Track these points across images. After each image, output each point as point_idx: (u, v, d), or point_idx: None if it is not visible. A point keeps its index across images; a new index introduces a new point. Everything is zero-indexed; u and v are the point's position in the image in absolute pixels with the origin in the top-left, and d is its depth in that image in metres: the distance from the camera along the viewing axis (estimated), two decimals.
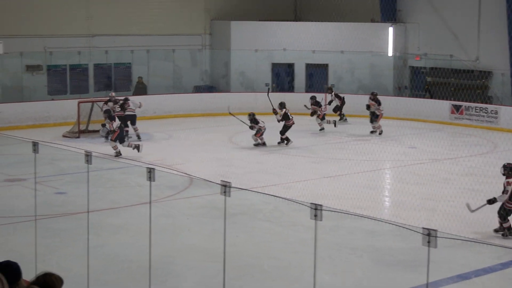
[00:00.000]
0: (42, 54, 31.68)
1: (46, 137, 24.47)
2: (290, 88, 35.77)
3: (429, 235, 7.77)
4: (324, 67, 35.80)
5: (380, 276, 13.52)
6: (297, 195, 16.49)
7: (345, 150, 25.02)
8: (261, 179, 20.42)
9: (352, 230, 15.80)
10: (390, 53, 35.40)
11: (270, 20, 36.73)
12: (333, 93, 31.67)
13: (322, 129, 29.62)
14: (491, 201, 15.33)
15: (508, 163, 15.52)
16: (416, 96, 34.36)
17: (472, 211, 15.59)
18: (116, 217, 16.74)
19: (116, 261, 13.60)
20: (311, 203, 8.54)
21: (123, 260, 13.73)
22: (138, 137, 26.42)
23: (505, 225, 15.35)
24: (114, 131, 22.74)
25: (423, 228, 7.78)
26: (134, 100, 27.61)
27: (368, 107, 29.24)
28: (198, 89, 35.79)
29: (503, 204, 15.26)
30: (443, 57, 34.24)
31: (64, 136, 27.09)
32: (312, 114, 30.05)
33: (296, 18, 38.78)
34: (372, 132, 29.03)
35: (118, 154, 22.67)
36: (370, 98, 29.32)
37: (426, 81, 34.64)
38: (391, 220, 16.09)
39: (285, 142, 26.25)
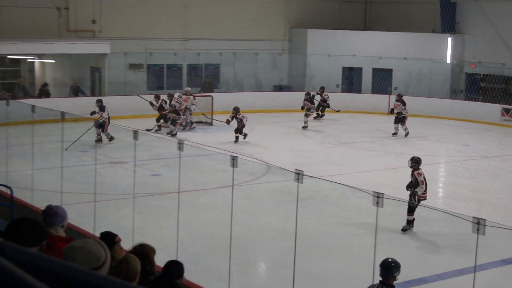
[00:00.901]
0: (143, 54, 32.04)
1: (145, 126, 24.80)
2: (358, 90, 35.51)
3: (478, 224, 7.68)
4: (388, 72, 35.47)
5: (432, 258, 13.38)
6: (360, 184, 16.38)
7: (404, 145, 24.80)
8: (329, 168, 20.36)
9: None
10: (448, 61, 34.87)
11: (342, 29, 36.57)
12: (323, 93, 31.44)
13: (305, 126, 28.03)
14: (414, 197, 14.44)
15: (415, 156, 14.85)
16: (470, 99, 33.81)
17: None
18: (203, 198, 16.88)
19: (202, 235, 13.73)
20: (374, 191, 8.50)
21: (207, 235, 13.85)
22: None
23: (409, 218, 14.49)
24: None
25: (473, 217, 7.67)
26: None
27: (392, 110, 27.54)
28: (277, 88, 35.80)
29: (415, 195, 14.47)
30: (495, 65, 33.56)
31: (159, 126, 27.39)
32: (302, 108, 28.84)
33: (365, 28, 38.47)
34: (394, 134, 26.91)
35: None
36: (396, 99, 27.49)
37: (480, 86, 34.05)
38: (444, 209, 15.89)
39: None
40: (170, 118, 24.73)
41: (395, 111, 26.99)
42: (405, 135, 26.66)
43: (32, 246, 3.81)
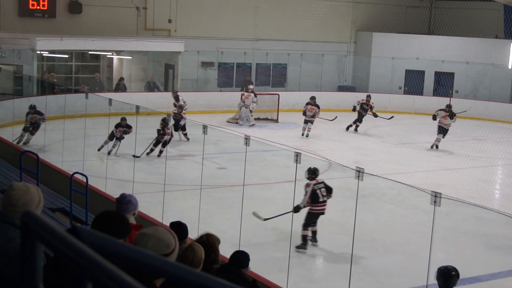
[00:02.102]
0: (215, 53, 32.31)
1: (214, 121, 25.01)
2: (420, 92, 35.15)
3: None
4: (451, 75, 35.03)
5: (486, 257, 13.23)
6: (419, 183, 16.24)
7: (464, 147, 24.48)
8: (389, 167, 20.23)
9: (465, 216, 15.48)
10: (510, 66, 34.25)
11: (407, 33, 36.26)
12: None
13: (306, 134, 25.13)
14: (296, 209, 12.43)
15: (312, 167, 13.23)
16: None
17: (265, 219, 13.11)
18: (266, 191, 16.96)
19: (264, 227, 13.79)
20: (432, 191, 8.46)
21: (269, 227, 13.93)
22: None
23: (304, 233, 12.65)
24: None
25: None
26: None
27: (434, 117, 24.61)
28: (341, 89, 35.69)
29: (308, 210, 12.78)
30: None
31: (228, 121, 27.62)
32: (304, 113, 25.20)
33: (429, 32, 38.04)
34: (436, 146, 24.13)
35: None
36: (445, 110, 24.40)
37: None
38: (500, 210, 15.66)
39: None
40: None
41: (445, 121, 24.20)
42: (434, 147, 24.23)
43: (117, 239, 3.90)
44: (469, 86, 34.43)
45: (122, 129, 20.00)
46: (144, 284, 3.06)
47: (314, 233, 12.90)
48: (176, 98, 24.63)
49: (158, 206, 12.97)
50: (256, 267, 10.67)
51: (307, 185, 12.75)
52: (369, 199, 15.93)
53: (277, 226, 13.66)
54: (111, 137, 20.17)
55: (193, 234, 7.64)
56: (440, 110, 24.56)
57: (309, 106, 25.19)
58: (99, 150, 20.15)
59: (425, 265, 10.06)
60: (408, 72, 35.66)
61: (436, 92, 34.83)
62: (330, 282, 11.13)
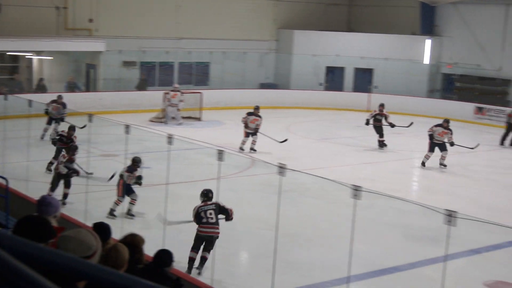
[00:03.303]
0: (137, 52, 32.06)
1: (137, 121, 24.84)
2: (340, 88, 35.65)
3: (450, 216, 7.83)
4: (369, 71, 35.65)
5: (406, 247, 13.55)
6: (340, 177, 16.53)
7: None
8: (311, 162, 20.49)
9: (385, 208, 15.81)
10: (426, 62, 35.09)
11: (327, 30, 36.72)
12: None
13: (251, 148, 22.21)
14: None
15: (205, 190, 12.04)
16: (446, 98, 34.05)
17: (169, 223, 12.16)
18: (190, 189, 16.91)
19: (189, 225, 13.80)
20: (352, 185, 8.64)
21: (194, 225, 13.94)
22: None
23: (190, 254, 11.53)
24: None
25: (445, 209, 7.83)
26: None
27: (431, 136, 21.33)
28: (264, 86, 35.87)
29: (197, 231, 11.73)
30: (471, 66, 33.81)
31: (151, 120, 27.48)
32: (246, 125, 22.30)
33: (349, 29, 38.59)
34: (443, 165, 21.02)
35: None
36: (441, 125, 21.48)
37: (455, 86, 34.32)
38: (418, 201, 16.06)
39: None
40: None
41: (440, 138, 21.19)
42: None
43: (39, 243, 3.86)
44: (388, 81, 35.10)
45: (57, 105, 20.92)
46: (66, 287, 3.07)
47: (203, 259, 11.44)
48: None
49: (81, 207, 12.84)
50: (181, 265, 10.71)
51: (194, 209, 11.78)
52: (292, 194, 16.10)
53: None
54: (49, 121, 21.65)
55: (117, 234, 7.62)
56: (436, 126, 21.55)
57: (252, 117, 22.37)
58: (42, 138, 21.62)
59: (346, 256, 10.26)
60: (328, 69, 36.13)
61: (356, 88, 35.39)
62: (254, 277, 11.24)
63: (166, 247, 7.99)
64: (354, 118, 30.48)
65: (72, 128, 17.21)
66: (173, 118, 27.40)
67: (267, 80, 36.53)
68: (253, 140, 22.29)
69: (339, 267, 11.42)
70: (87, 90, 30.72)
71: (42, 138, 21.85)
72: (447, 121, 21.65)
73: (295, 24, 36.70)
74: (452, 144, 20.80)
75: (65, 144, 16.05)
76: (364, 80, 35.45)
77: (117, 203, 14.28)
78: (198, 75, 34.33)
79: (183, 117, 28.05)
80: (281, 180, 9.35)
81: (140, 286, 1.96)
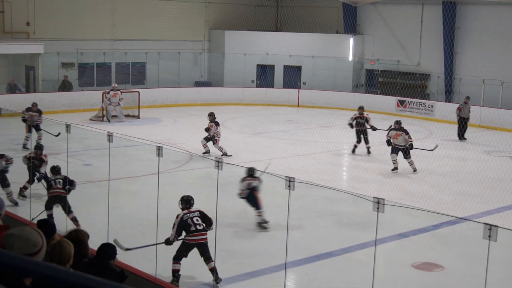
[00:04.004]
0: (75, 54, 31.47)
1: (77, 120, 24.37)
2: (271, 85, 35.73)
3: (378, 203, 7.84)
4: (298, 68, 35.81)
5: (338, 234, 13.59)
6: (274, 169, 16.47)
7: (313, 134, 25.07)
8: (246, 156, 20.42)
9: (317, 197, 15.85)
10: (350, 58, 35.43)
11: (256, 30, 36.77)
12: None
13: (225, 153, 20.56)
14: (167, 242, 10.82)
15: (185, 196, 11.49)
16: (370, 93, 34.45)
17: (127, 249, 10.85)
18: (131, 184, 16.72)
19: (131, 219, 13.60)
20: (286, 176, 8.56)
21: (136, 218, 13.73)
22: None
23: (174, 267, 10.63)
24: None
25: (374, 197, 7.83)
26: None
27: (389, 142, 19.54)
28: (198, 84, 35.69)
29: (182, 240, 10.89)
30: (391, 62, 34.31)
31: (90, 119, 27.00)
32: (207, 130, 20.75)
33: (277, 29, 38.72)
34: (394, 170, 19.27)
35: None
36: (394, 128, 19.60)
37: (378, 81, 34.76)
38: (348, 190, 16.15)
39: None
40: None
41: (396, 142, 19.48)
42: (414, 171, 19.50)
43: None
44: (315, 78, 35.32)
45: (32, 113, 20.22)
46: (12, 284, 2.88)
47: (213, 270, 10.54)
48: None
49: (25, 206, 12.47)
50: (125, 258, 10.47)
51: (177, 217, 10.92)
52: (229, 186, 15.97)
53: (144, 217, 13.48)
54: (29, 129, 20.78)
55: (62, 230, 7.38)
56: (390, 130, 19.80)
57: (209, 124, 20.89)
58: (24, 147, 20.50)
59: (283, 244, 10.19)
60: (259, 67, 36.16)
61: (286, 85, 35.53)
62: (197, 266, 11.07)
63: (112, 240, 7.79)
64: (285, 113, 30.56)
65: (38, 148, 16.07)
66: (114, 116, 27.01)
67: (201, 79, 36.38)
68: (219, 148, 20.72)
69: (276, 254, 11.37)
70: (27, 91, 29.99)
71: (24, 146, 20.54)
72: (398, 122, 19.75)
73: (226, 25, 36.66)
74: (411, 146, 19.14)
75: (38, 166, 15.35)
76: (293, 76, 35.59)
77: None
78: (134, 74, 33.93)
79: (124, 115, 27.67)
80: (219, 174, 9.23)
81: (83, 281, 1.93)
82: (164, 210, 12.34)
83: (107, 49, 32.53)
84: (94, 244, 7.18)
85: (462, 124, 25.40)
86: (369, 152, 21.92)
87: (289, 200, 8.82)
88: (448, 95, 32.07)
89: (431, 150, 19.51)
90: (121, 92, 27.36)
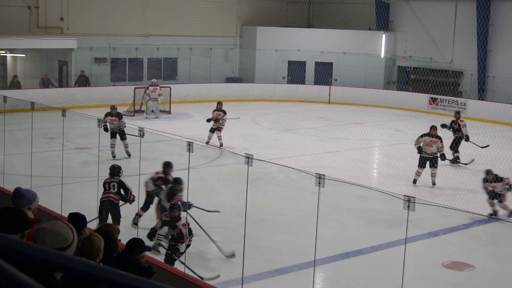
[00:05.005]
0: (107, 49, 31.71)
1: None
2: (302, 81, 35.68)
3: (409, 201, 7.80)
4: (329, 65, 35.70)
5: (368, 232, 13.55)
6: (304, 166, 16.47)
7: (343, 131, 24.98)
8: (276, 152, 20.42)
9: (347, 195, 15.81)
10: (382, 55, 35.25)
11: (288, 26, 36.72)
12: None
13: (220, 144, 21.09)
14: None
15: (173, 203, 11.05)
16: (402, 90, 34.25)
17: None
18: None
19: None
20: (316, 173, 8.55)
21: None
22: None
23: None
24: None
25: (404, 195, 7.79)
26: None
27: (419, 149, 17.47)
28: (229, 80, 35.76)
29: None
30: (424, 59, 34.05)
31: (123, 114, 27.16)
32: (209, 120, 21.55)
33: (309, 25, 38.63)
34: (415, 182, 17.45)
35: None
36: (429, 134, 17.68)
37: (410, 78, 34.53)
38: (378, 188, 16.06)
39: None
40: None
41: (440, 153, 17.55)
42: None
43: (14, 234, 3.72)
44: (347, 74, 35.20)
45: (113, 118, 19.03)
46: (43, 278, 2.93)
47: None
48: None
49: (57, 199, 12.60)
50: (154, 252, 10.55)
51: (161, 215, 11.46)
52: (259, 182, 16.03)
53: None
54: (113, 135, 19.10)
55: (93, 225, 7.45)
56: (423, 136, 17.83)
57: (215, 112, 21.56)
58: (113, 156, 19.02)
59: (312, 241, 10.18)
60: (290, 63, 36.11)
61: (317, 81, 35.45)
62: (225, 262, 11.12)
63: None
64: (316, 110, 30.51)
65: (168, 166, 13.41)
66: (152, 111, 27.10)
67: (233, 75, 36.43)
68: (218, 136, 21.30)
69: (305, 251, 11.37)
70: (60, 86, 30.28)
71: (112, 155, 19.00)
72: (434, 128, 17.76)
73: (258, 21, 36.66)
74: (443, 157, 17.44)
75: (165, 183, 13.00)
76: (324, 73, 35.49)
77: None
78: (166, 70, 34.10)
79: (153, 111, 27.79)
80: (248, 170, 9.24)
81: (112, 275, 1.94)
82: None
83: (139, 44, 32.73)
84: (124, 238, 7.24)
85: None
86: (454, 162, 19.90)
87: (319, 197, 8.81)
88: (481, 93, 31.75)
89: (466, 164, 18.05)
90: (160, 88, 27.39)
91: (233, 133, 23.16)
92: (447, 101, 31.12)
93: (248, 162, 9.16)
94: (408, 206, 7.86)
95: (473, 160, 18.26)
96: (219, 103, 22.12)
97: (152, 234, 10.94)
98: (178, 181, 12.40)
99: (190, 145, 10.05)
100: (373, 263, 11.89)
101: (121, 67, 32.59)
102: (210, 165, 18.56)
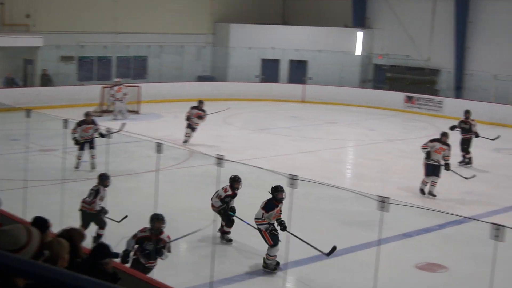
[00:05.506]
0: (75, 47, 31.55)
1: (75, 115, 24.41)
2: (275, 80, 35.76)
3: (383, 202, 7.90)
4: (304, 63, 35.83)
5: (342, 233, 13.64)
6: (277, 167, 16.56)
7: (317, 131, 25.12)
8: (248, 153, 20.48)
9: (321, 196, 15.91)
10: (358, 53, 35.46)
11: (262, 23, 36.78)
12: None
13: (185, 140, 21.71)
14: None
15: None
16: (377, 88, 34.49)
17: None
18: (130, 182, 16.77)
19: (128, 217, 13.64)
20: (289, 174, 8.63)
21: (134, 216, 13.78)
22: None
23: None
24: None
25: (378, 196, 7.90)
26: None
27: (428, 154, 16.57)
28: (201, 79, 35.73)
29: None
30: (401, 56, 34.31)
31: None
32: (188, 119, 21.99)
33: (284, 22, 38.73)
34: (432, 195, 16.48)
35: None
36: (440, 140, 16.74)
37: (386, 76, 34.77)
38: (352, 189, 16.19)
39: None
40: None
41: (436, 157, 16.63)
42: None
43: None
44: (322, 73, 35.34)
45: (88, 126, 17.60)
46: (4, 284, 2.96)
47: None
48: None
49: (20, 203, 12.55)
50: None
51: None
52: None
53: (142, 215, 13.52)
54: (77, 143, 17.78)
55: (58, 229, 7.45)
56: (433, 141, 16.95)
57: (195, 111, 21.95)
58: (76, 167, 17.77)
59: (284, 243, 10.28)
60: (264, 61, 36.18)
61: (291, 80, 35.56)
62: (194, 265, 11.15)
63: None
64: (290, 109, 30.61)
65: (235, 180, 12.94)
66: (120, 112, 26.97)
67: (205, 73, 36.41)
68: (188, 133, 21.82)
69: (277, 254, 11.43)
70: (25, 85, 30.08)
71: (76, 167, 17.57)
72: (446, 134, 16.91)
73: (231, 18, 36.67)
74: (447, 167, 16.65)
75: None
76: (298, 71, 35.61)
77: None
78: (136, 68, 34.00)
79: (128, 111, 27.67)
80: (219, 171, 9.29)
81: (74, 280, 1.96)
82: (163, 207, 12.44)
83: (109, 42, 32.59)
84: (91, 243, 7.25)
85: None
86: (466, 163, 20.11)
87: (292, 199, 8.90)
88: (458, 91, 32.08)
89: (467, 178, 17.35)
90: (125, 87, 27.33)
91: (204, 133, 23.18)
92: (423, 100, 31.43)
93: (219, 164, 9.21)
94: (382, 207, 7.97)
95: (474, 176, 17.47)
96: (201, 102, 22.33)
97: (126, 256, 10.09)
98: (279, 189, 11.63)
99: (159, 146, 10.08)
100: (346, 265, 11.97)
101: (89, 66, 32.44)
102: (179, 166, 18.56)
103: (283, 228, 11.17)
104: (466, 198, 16.43)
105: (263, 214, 11.36)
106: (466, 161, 20.14)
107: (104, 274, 6.68)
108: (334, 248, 10.92)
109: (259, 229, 11.42)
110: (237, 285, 10.88)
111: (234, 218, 12.48)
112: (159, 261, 10.16)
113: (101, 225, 11.92)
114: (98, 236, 11.81)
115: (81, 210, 11.98)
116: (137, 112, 28.28)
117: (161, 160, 10.64)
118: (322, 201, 15.58)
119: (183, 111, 26.04)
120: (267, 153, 20.71)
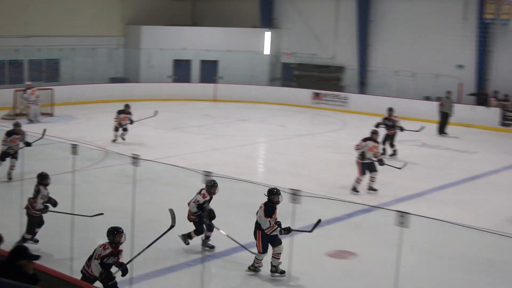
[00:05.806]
0: None
1: None
2: (187, 80, 35.71)
3: (294, 194, 8.04)
4: (214, 63, 35.89)
5: (252, 225, 13.75)
6: (191, 164, 16.58)
7: (229, 128, 25.24)
8: (163, 152, 20.40)
9: (234, 191, 16.01)
10: (266, 52, 35.78)
11: (173, 25, 36.67)
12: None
13: (119, 136, 22.15)
14: None
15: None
16: (286, 86, 34.89)
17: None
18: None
19: (46, 219, 13.39)
20: (203, 171, 8.68)
21: (51, 218, 13.53)
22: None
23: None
24: None
25: (290, 188, 8.03)
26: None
27: (363, 155, 16.42)
28: (114, 80, 35.32)
29: None
30: (307, 55, 34.84)
31: (2, 118, 26.36)
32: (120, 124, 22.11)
33: (194, 24, 38.69)
34: (373, 189, 16.68)
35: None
36: (371, 139, 16.68)
37: (294, 74, 35.21)
38: (264, 183, 16.32)
39: None
40: None
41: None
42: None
43: None
44: (232, 72, 35.50)
45: (17, 136, 16.72)
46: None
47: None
48: None
49: None
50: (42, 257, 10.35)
51: None
52: (146, 183, 15.97)
53: (59, 217, 13.31)
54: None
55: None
56: (366, 140, 16.68)
57: (123, 115, 22.07)
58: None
59: (198, 240, 10.30)
60: (176, 62, 36.06)
61: (202, 79, 35.60)
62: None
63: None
64: (202, 108, 30.62)
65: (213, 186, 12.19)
66: (35, 115, 26.32)
67: (117, 75, 36.02)
68: (117, 134, 22.09)
69: (193, 249, 11.45)
70: None
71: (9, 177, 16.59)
72: (376, 132, 17.10)
73: (142, 20, 36.43)
74: (381, 162, 16.68)
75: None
76: (209, 71, 35.68)
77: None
78: (48, 71, 33.31)
79: (41, 114, 27.08)
80: (135, 170, 9.26)
81: None
82: (80, 208, 12.27)
83: (20, 45, 31.83)
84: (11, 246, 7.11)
85: (444, 119, 25.75)
86: (393, 154, 20.81)
87: None
88: (362, 87, 32.81)
89: (400, 168, 17.23)
90: (38, 89, 26.79)
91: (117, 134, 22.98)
92: (329, 96, 32.00)
93: (134, 163, 9.17)
94: (294, 199, 8.11)
95: (405, 164, 17.65)
96: (127, 106, 22.41)
97: (109, 274, 9.57)
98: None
99: (74, 148, 9.96)
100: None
101: (1, 70, 31.60)
102: (95, 167, 18.33)
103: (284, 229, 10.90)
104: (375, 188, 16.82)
105: (269, 221, 10.94)
106: (391, 153, 20.80)
107: (23, 276, 6.57)
108: (319, 221, 10.76)
109: (262, 235, 11.08)
110: (156, 280, 10.85)
111: (212, 226, 12.16)
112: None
113: (39, 225, 11.74)
114: (23, 239, 11.59)
115: (26, 208, 11.79)
116: (50, 115, 27.74)
117: (77, 161, 10.51)
118: (235, 196, 15.67)
119: (96, 113, 25.78)
120: (181, 151, 20.69)
